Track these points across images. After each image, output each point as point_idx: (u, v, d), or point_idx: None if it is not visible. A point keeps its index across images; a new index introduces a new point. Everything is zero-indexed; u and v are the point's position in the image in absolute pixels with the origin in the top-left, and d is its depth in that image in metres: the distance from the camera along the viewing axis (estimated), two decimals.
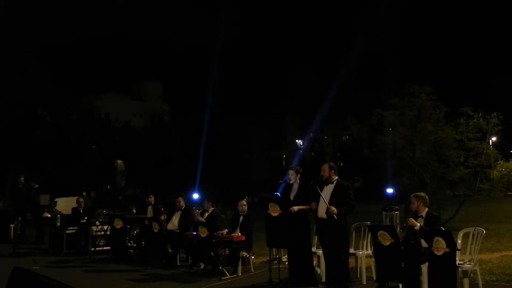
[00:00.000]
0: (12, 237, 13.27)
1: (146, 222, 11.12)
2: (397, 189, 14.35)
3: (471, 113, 17.26)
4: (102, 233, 11.79)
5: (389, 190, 13.18)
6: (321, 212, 7.48)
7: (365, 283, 7.95)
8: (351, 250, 8.22)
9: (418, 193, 7.20)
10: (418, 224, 6.79)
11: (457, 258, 6.45)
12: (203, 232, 9.34)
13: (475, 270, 6.99)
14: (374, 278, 7.46)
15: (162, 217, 10.99)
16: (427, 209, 7.02)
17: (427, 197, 7.13)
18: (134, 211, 12.35)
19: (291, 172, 8.14)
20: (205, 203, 10.51)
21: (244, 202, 9.67)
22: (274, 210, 8.03)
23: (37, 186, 14.22)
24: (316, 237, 8.39)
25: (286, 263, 8.46)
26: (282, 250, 9.05)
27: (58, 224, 12.63)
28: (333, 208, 7.26)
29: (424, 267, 6.55)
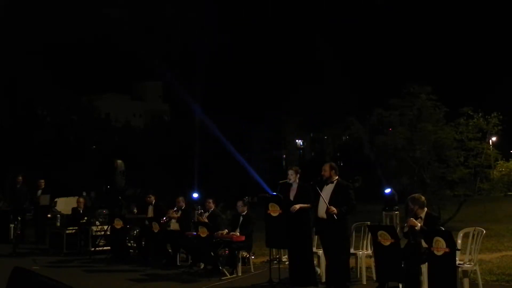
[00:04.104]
0: (12, 237, 13.27)
1: (146, 222, 11.12)
2: (395, 188, 14.34)
3: (471, 113, 17.26)
4: (102, 233, 11.79)
5: (387, 190, 13.19)
6: (321, 212, 7.48)
7: (365, 283, 7.95)
8: (351, 250, 8.22)
9: (414, 196, 7.13)
10: (419, 224, 6.79)
11: (457, 258, 6.44)
12: (203, 232, 9.34)
13: (475, 270, 6.99)
14: (374, 278, 7.46)
15: (163, 219, 10.90)
16: (425, 209, 7.01)
17: (422, 197, 7.10)
18: (135, 210, 12.34)
19: (290, 172, 8.14)
20: (208, 202, 10.48)
21: (240, 203, 9.67)
22: (274, 210, 8.03)
23: (42, 187, 14.20)
24: (316, 237, 8.39)
25: (286, 263, 8.46)
26: (282, 250, 9.05)
27: (58, 224, 12.63)
28: (333, 208, 7.26)
29: (424, 267, 6.55)
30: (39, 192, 14.02)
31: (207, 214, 10.21)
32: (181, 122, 45.72)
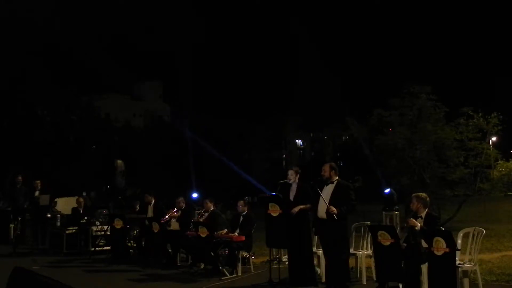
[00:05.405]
0: (12, 237, 13.26)
1: (146, 222, 11.11)
2: (394, 188, 14.34)
3: (471, 113, 17.26)
4: (102, 233, 11.79)
5: (386, 190, 13.18)
6: (321, 212, 7.48)
7: (365, 283, 7.95)
8: (351, 250, 8.22)
9: (419, 194, 7.16)
10: (419, 225, 6.78)
11: (457, 258, 6.44)
12: (203, 232, 9.34)
13: (475, 270, 6.99)
14: (374, 278, 7.46)
15: (164, 219, 10.88)
16: (427, 209, 7.01)
17: (428, 198, 7.11)
18: (138, 207, 12.31)
19: (290, 172, 8.14)
20: (206, 202, 10.49)
21: (241, 202, 9.68)
22: (274, 210, 8.03)
23: (39, 188, 14.18)
24: (316, 237, 8.39)
25: (286, 263, 8.46)
26: (282, 250, 9.05)
27: (58, 224, 12.63)
28: (333, 208, 7.26)
29: (424, 267, 6.55)
30: (37, 192, 13.98)
31: (207, 214, 10.21)
32: (181, 122, 45.74)
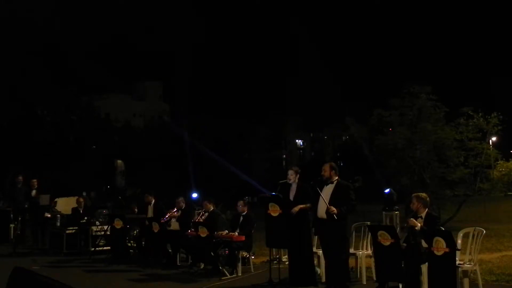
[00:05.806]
0: (12, 237, 13.25)
1: (146, 222, 11.11)
2: (394, 188, 14.34)
3: (471, 113, 17.27)
4: (102, 233, 11.78)
5: (386, 190, 13.19)
6: (321, 212, 7.47)
7: (365, 283, 7.95)
8: (351, 250, 8.22)
9: (419, 194, 7.17)
10: (419, 225, 6.78)
11: (457, 258, 6.44)
12: (203, 232, 9.34)
13: (475, 270, 6.99)
14: (374, 278, 7.46)
15: (164, 219, 10.87)
16: (427, 209, 7.02)
17: (428, 198, 7.12)
18: (136, 210, 12.32)
19: (290, 172, 8.14)
20: (205, 203, 10.49)
21: (240, 202, 9.68)
22: (274, 210, 8.03)
23: (36, 187, 14.13)
24: (316, 237, 8.39)
25: (286, 263, 8.46)
26: (282, 250, 9.05)
27: (58, 224, 12.62)
28: (333, 208, 7.26)
29: (424, 267, 6.55)
30: (34, 192, 13.94)
31: (206, 214, 10.21)
32: (181, 122, 45.71)
